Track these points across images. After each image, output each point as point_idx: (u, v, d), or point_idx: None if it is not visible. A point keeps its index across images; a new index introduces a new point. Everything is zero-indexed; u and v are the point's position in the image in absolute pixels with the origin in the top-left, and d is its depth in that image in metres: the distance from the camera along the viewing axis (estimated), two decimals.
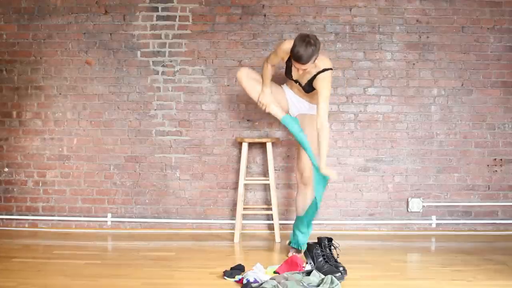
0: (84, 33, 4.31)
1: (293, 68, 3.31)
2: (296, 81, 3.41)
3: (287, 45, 3.20)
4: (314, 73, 3.24)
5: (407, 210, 4.27)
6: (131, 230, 4.28)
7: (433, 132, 4.28)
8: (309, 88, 3.34)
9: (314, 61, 3.12)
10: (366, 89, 4.29)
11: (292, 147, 4.27)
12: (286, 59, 3.33)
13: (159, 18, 4.29)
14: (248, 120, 4.30)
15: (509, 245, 3.82)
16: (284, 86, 3.60)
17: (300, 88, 3.42)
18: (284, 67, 3.42)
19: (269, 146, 3.96)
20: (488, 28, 4.27)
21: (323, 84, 3.20)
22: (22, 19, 4.32)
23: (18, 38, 4.33)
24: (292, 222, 4.26)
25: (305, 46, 3.01)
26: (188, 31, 4.29)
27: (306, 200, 3.52)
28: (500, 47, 4.27)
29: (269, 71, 3.42)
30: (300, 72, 3.22)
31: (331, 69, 3.25)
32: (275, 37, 4.25)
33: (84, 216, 4.32)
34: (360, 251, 3.59)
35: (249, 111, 4.29)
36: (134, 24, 4.30)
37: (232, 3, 4.27)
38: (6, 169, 4.35)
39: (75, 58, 4.33)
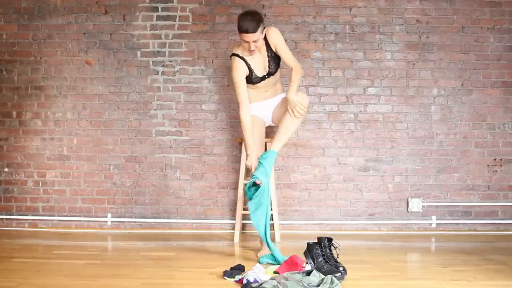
0: (84, 33, 4.31)
1: (249, 63, 3.33)
2: (263, 78, 3.38)
3: (234, 61, 3.33)
4: (263, 40, 3.28)
5: (407, 210, 4.27)
6: (131, 230, 4.28)
7: (433, 132, 4.28)
8: (274, 62, 3.35)
9: (263, 31, 3.22)
10: (366, 89, 4.29)
11: (292, 147, 4.27)
12: (246, 70, 3.34)
13: (159, 18, 4.29)
14: None
15: (509, 245, 3.82)
16: (252, 108, 3.51)
17: (267, 80, 3.39)
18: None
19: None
20: (488, 28, 4.27)
21: (278, 39, 3.30)
22: (22, 19, 4.33)
23: (18, 38, 4.33)
24: (292, 222, 4.27)
25: (248, 15, 3.17)
26: (188, 31, 4.29)
27: None
28: (500, 47, 4.27)
29: (247, 123, 3.37)
30: (253, 48, 3.23)
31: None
32: None
33: (84, 216, 4.32)
34: (360, 251, 3.59)
35: None
36: (134, 24, 4.30)
37: (232, 3, 4.27)
38: (6, 169, 4.35)
39: (75, 58, 4.33)
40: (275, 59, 3.36)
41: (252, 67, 3.34)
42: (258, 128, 3.55)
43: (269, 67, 3.37)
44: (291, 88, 3.24)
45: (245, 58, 3.32)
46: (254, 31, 3.15)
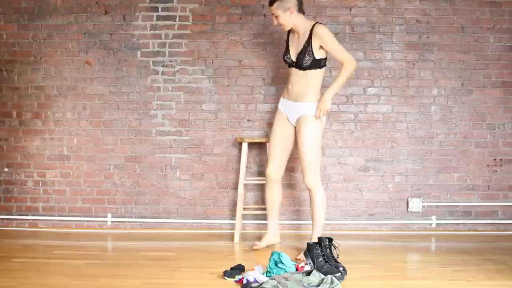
0: (84, 33, 4.31)
1: (289, 40, 3.55)
2: (291, 64, 3.47)
3: None
4: (308, 32, 3.40)
5: (407, 210, 4.27)
6: (131, 230, 4.28)
7: (433, 132, 4.28)
8: (306, 56, 3.38)
9: (285, 10, 3.37)
10: (366, 89, 4.29)
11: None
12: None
13: (159, 18, 4.29)
14: (248, 120, 4.30)
15: (509, 245, 3.82)
16: (279, 105, 3.64)
17: (294, 70, 3.47)
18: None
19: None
20: (488, 28, 4.27)
21: (323, 37, 3.36)
22: (22, 19, 4.32)
23: (18, 38, 4.33)
24: (292, 222, 4.27)
25: None
26: (188, 31, 4.29)
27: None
28: (500, 47, 4.27)
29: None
30: (275, 22, 3.45)
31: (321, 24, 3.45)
32: (275, 37, 4.25)
33: (84, 216, 4.32)
34: (360, 251, 3.60)
35: (249, 111, 4.29)
36: (134, 24, 4.30)
37: (232, 3, 4.27)
38: (6, 169, 4.35)
39: (75, 58, 4.32)
40: (310, 55, 3.38)
41: (290, 46, 3.53)
42: (280, 122, 3.61)
43: (298, 55, 3.40)
44: (332, 85, 3.40)
45: (290, 34, 3.57)
46: (270, 4, 3.42)
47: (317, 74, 3.43)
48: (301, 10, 3.44)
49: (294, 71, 3.47)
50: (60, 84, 4.33)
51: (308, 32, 3.38)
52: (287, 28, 3.47)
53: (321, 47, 3.38)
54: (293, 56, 3.46)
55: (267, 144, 3.81)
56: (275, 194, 3.65)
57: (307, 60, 3.38)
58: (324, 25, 3.43)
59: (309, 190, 3.50)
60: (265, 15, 4.27)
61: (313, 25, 3.39)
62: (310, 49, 3.37)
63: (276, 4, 3.38)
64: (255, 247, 3.58)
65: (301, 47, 3.40)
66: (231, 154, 4.29)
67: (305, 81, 3.44)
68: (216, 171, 4.30)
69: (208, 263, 3.23)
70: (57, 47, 4.32)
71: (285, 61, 3.53)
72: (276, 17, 3.42)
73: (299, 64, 3.41)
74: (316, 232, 3.45)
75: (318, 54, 3.38)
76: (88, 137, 4.32)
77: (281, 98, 3.63)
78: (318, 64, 3.40)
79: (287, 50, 3.52)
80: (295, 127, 3.57)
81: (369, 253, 3.55)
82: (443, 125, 4.28)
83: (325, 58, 3.44)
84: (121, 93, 4.31)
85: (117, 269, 3.07)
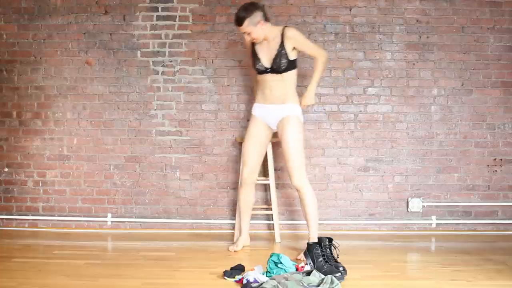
0: (84, 33, 4.31)
1: (256, 48, 3.53)
2: (265, 70, 3.48)
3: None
4: (279, 36, 3.43)
5: (407, 210, 4.27)
6: (131, 230, 4.28)
7: (433, 132, 4.28)
8: (282, 59, 3.41)
9: (256, 24, 3.41)
10: (366, 89, 4.29)
11: None
12: (250, 50, 3.59)
13: (159, 18, 4.29)
14: (248, 120, 4.29)
15: (509, 245, 3.82)
16: (253, 111, 3.65)
17: (270, 76, 3.48)
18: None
19: (269, 146, 3.96)
20: (488, 28, 4.27)
21: (296, 38, 3.44)
22: (22, 19, 4.32)
23: (18, 38, 4.33)
24: (292, 222, 4.27)
25: (240, 9, 3.44)
26: (188, 31, 4.29)
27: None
28: (500, 47, 4.27)
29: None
30: (248, 39, 3.49)
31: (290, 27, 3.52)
32: None
33: (84, 216, 4.32)
34: (360, 251, 3.60)
35: (249, 111, 4.29)
36: (134, 24, 4.30)
37: (232, 3, 4.27)
38: (6, 169, 4.35)
39: (75, 58, 4.32)
40: (285, 58, 3.43)
41: (259, 54, 3.52)
42: (256, 126, 3.60)
43: (274, 60, 3.43)
44: (312, 80, 3.51)
45: (254, 43, 3.55)
46: (240, 24, 3.43)
47: (292, 75, 3.51)
48: (267, 18, 3.49)
49: (270, 76, 3.49)
50: (60, 84, 4.33)
51: (279, 37, 3.43)
52: (261, 39, 3.48)
53: (294, 48, 3.45)
54: (265, 62, 3.48)
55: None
56: (249, 197, 3.69)
57: (284, 63, 3.43)
58: (292, 27, 3.52)
59: (298, 191, 3.51)
60: None
61: (283, 29, 3.45)
62: (285, 52, 3.42)
63: (245, 23, 3.40)
64: (231, 249, 3.61)
65: (275, 51, 3.44)
66: (231, 154, 4.29)
67: (283, 84, 3.49)
68: (216, 171, 4.30)
69: (208, 263, 3.23)
70: (57, 47, 4.32)
71: (257, 69, 3.53)
72: (249, 33, 3.44)
73: (275, 69, 3.46)
74: (313, 231, 3.47)
75: (292, 56, 3.46)
76: (88, 137, 4.32)
77: (256, 104, 3.63)
78: (292, 65, 3.48)
79: (257, 59, 3.52)
80: (274, 131, 3.61)
81: (369, 253, 3.55)
82: (443, 125, 4.28)
83: (297, 59, 3.52)
84: (121, 93, 4.31)
85: (117, 269, 3.07)
